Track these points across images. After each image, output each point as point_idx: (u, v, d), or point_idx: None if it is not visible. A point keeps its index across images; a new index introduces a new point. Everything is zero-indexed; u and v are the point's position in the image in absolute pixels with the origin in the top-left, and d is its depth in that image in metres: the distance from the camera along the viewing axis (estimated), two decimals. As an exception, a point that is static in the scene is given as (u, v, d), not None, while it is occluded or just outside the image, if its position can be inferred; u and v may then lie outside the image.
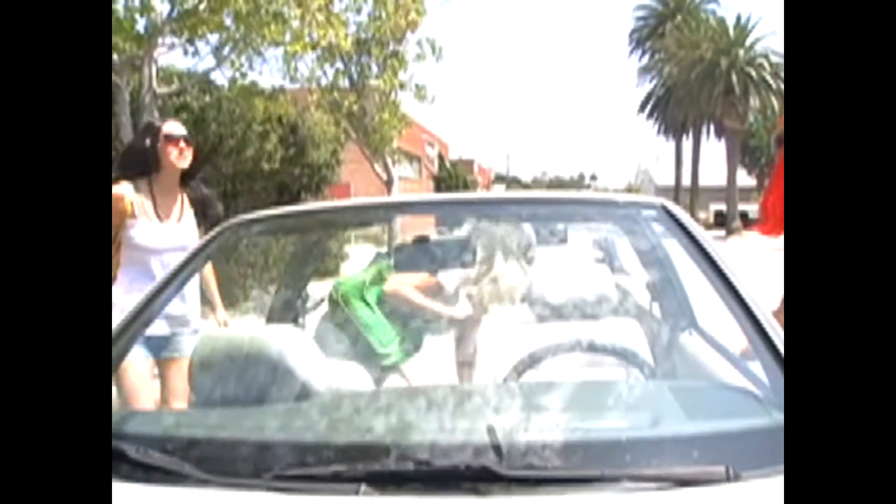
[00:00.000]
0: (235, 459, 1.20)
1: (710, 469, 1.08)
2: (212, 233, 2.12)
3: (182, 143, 2.89)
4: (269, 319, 2.91)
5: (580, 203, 2.31)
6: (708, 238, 1.71)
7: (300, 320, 2.92)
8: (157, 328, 2.60)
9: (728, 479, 1.07)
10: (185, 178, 2.98)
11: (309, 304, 3.04)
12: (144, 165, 2.87)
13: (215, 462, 1.20)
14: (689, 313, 2.58)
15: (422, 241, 2.11)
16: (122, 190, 2.82)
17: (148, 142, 2.88)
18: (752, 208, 40.91)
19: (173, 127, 2.95)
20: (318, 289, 3.23)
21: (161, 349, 2.82)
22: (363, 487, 1.09)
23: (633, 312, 2.53)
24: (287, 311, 2.92)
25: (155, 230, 2.84)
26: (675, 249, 1.85)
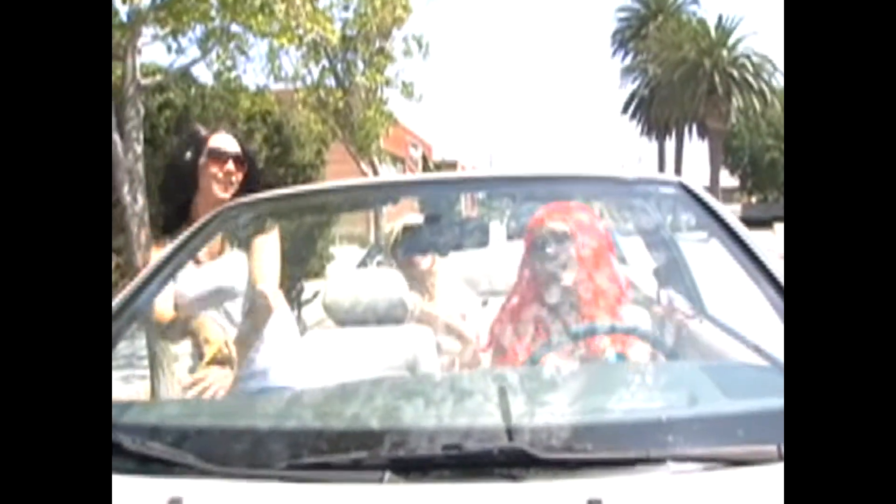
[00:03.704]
0: (243, 448, 1.11)
1: (762, 448, 1.01)
2: (203, 219, 2.01)
3: (230, 165, 2.20)
4: None
5: (587, 181, 2.09)
6: (732, 216, 1.64)
7: (295, 313, 2.82)
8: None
9: (780, 458, 0.99)
10: None
11: (304, 297, 2.94)
12: (184, 186, 2.24)
13: (220, 451, 1.10)
14: (698, 300, 2.51)
15: (433, 220, 2.00)
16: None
17: (189, 155, 2.24)
18: (735, 208, 41.18)
19: (221, 140, 2.24)
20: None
21: None
22: (387, 475, 1.00)
23: (640, 300, 2.45)
24: None
25: (187, 273, 2.09)
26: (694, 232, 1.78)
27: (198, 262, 2.12)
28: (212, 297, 2.10)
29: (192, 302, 2.05)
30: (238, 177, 2.22)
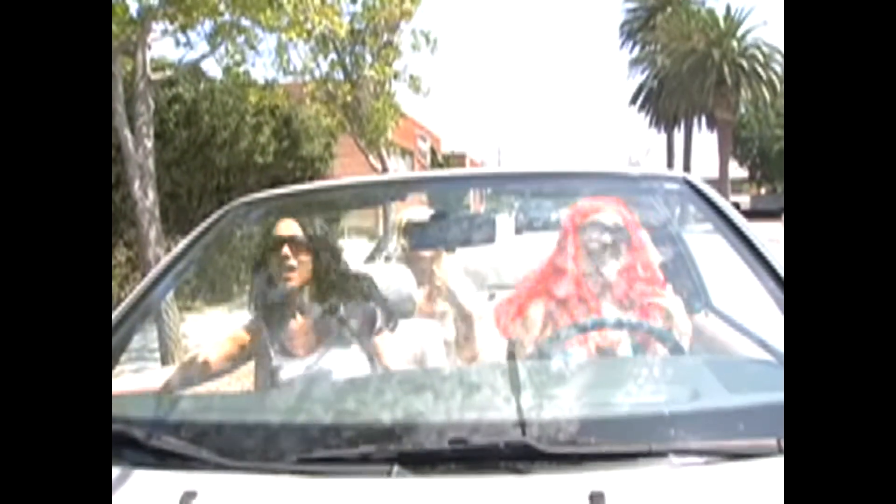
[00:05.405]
0: (255, 443, 1.14)
1: (762, 442, 1.03)
2: (215, 215, 2.03)
3: (284, 250, 1.95)
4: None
5: (593, 178, 2.10)
6: (734, 211, 1.66)
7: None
8: None
9: (780, 451, 1.02)
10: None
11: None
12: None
13: (233, 446, 1.14)
14: (704, 293, 2.53)
15: (439, 217, 2.01)
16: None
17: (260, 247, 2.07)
18: (744, 199, 41.04)
19: (281, 227, 1.99)
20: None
21: None
22: (396, 468, 1.03)
23: None
24: None
25: (283, 367, 1.93)
26: (701, 224, 1.79)
27: (290, 353, 1.96)
28: None
29: None
30: (298, 262, 1.96)
